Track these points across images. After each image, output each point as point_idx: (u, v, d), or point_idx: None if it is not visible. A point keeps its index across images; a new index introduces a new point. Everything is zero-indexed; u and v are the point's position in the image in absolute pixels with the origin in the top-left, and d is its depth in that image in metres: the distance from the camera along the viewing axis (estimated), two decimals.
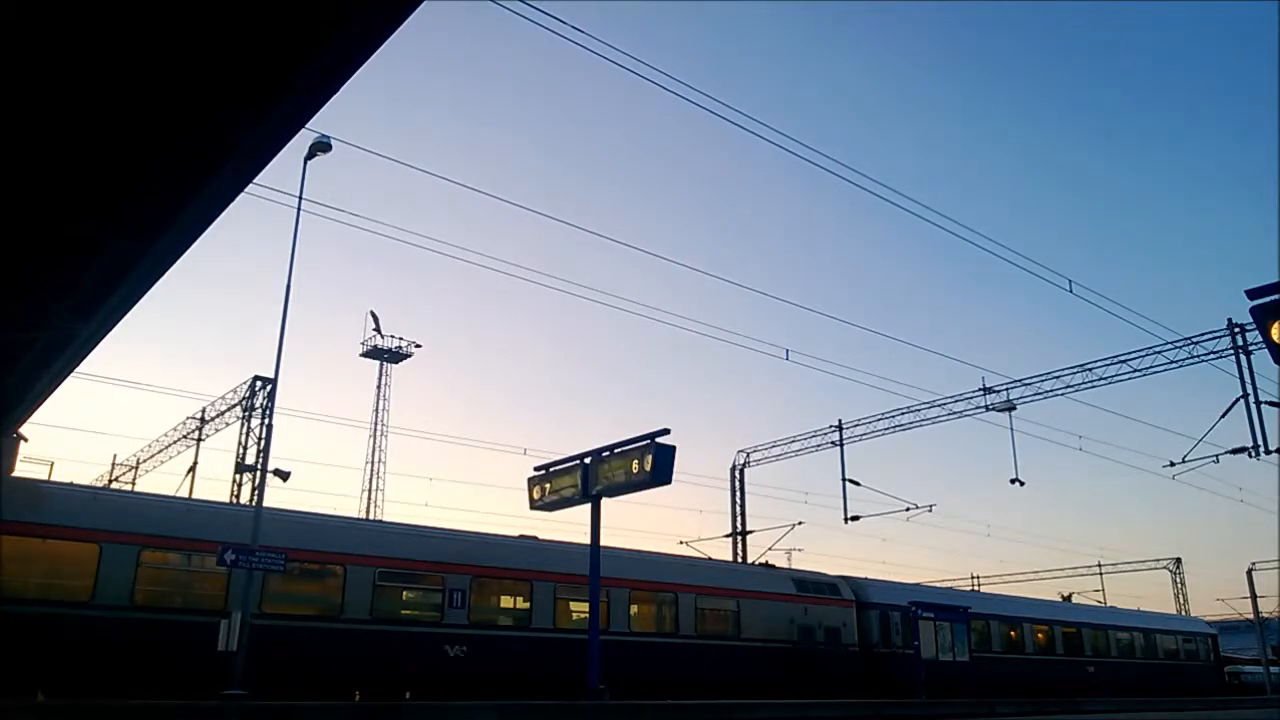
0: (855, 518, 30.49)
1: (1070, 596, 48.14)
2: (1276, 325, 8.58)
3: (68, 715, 11.22)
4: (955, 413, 29.57)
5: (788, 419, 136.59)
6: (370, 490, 39.81)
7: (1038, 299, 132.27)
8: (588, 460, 17.12)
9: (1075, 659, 30.98)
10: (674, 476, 15.66)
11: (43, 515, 14.14)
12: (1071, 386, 27.02)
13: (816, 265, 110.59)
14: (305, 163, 15.78)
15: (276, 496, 28.16)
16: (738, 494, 35.73)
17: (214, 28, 6.68)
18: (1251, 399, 21.87)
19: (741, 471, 35.98)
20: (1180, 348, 24.85)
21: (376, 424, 40.92)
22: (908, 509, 29.94)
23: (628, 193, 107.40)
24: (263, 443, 22.43)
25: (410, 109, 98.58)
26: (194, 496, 27.19)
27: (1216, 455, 23.88)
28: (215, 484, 53.74)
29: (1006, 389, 28.13)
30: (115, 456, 36.68)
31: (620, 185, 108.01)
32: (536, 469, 18.73)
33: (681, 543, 33.02)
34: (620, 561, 20.13)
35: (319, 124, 17.45)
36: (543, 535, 21.07)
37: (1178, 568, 52.47)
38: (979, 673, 25.35)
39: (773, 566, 26.62)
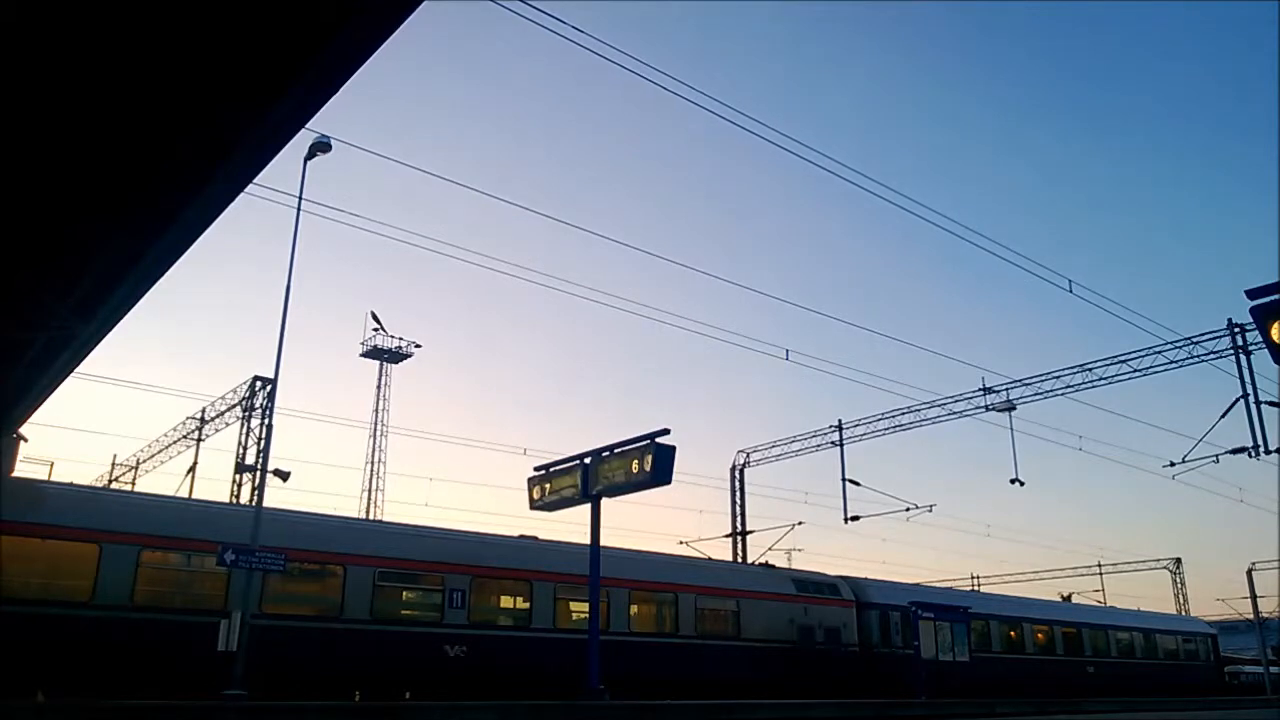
0: (855, 518, 30.49)
1: (1070, 596, 48.14)
2: (1276, 325, 8.60)
3: (68, 715, 11.21)
4: (955, 413, 29.59)
5: (788, 419, 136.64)
6: (370, 490, 39.78)
7: (1038, 299, 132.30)
8: (588, 460, 17.12)
9: (1075, 659, 30.98)
10: (674, 476, 15.65)
11: (43, 515, 14.14)
12: (1071, 386, 27.03)
13: (816, 265, 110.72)
14: (305, 163, 15.79)
15: (276, 496, 28.15)
16: (738, 494, 35.73)
17: (214, 27, 6.67)
18: (1251, 399, 21.86)
19: (741, 471, 35.98)
20: (1180, 348, 24.86)
21: (376, 424, 40.89)
22: (908, 509, 29.96)
23: (628, 193, 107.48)
24: (263, 443, 22.43)
25: (410, 109, 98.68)
26: (194, 496, 27.21)
27: (1216, 455, 23.89)
28: (215, 484, 53.73)
29: (1006, 389, 28.13)
30: (115, 456, 36.73)
31: (621, 185, 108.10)
32: (536, 469, 18.72)
33: (681, 543, 33.07)
34: (620, 561, 20.12)
35: (319, 124, 17.46)
36: (543, 535, 21.09)
37: (1177, 568, 52.50)
38: (979, 673, 25.34)
39: (773, 566, 26.61)
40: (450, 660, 17.15)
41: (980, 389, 28.53)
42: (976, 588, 52.26)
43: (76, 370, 14.87)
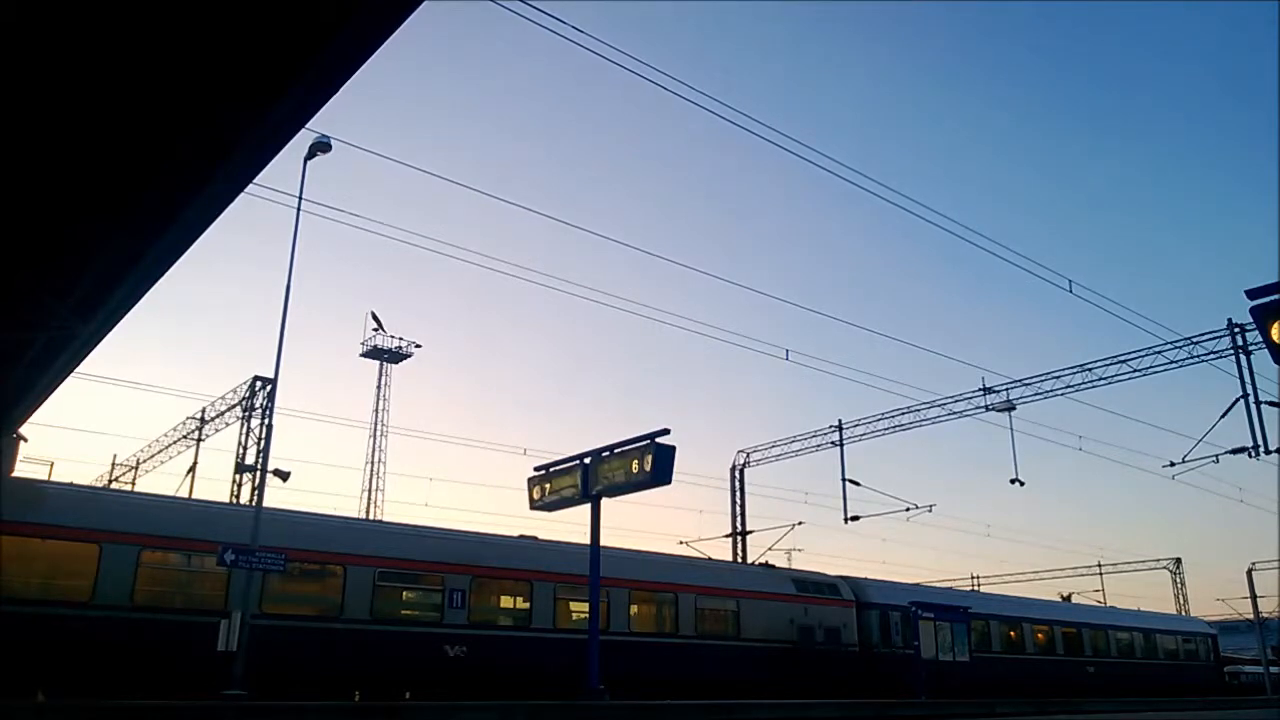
0: (855, 518, 30.50)
1: (1070, 596, 48.14)
2: (1276, 325, 8.60)
3: (68, 715, 11.22)
4: (955, 413, 29.59)
5: (788, 419, 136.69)
6: (370, 490, 39.79)
7: (1038, 299, 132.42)
8: (588, 460, 17.12)
9: (1075, 659, 30.98)
10: (674, 476, 15.67)
11: (43, 515, 14.14)
12: (1071, 386, 27.03)
13: (816, 265, 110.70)
14: (305, 163, 15.81)
15: (276, 496, 28.17)
16: (738, 494, 35.73)
17: (214, 27, 6.68)
18: (1251, 399, 21.86)
19: (741, 471, 35.98)
20: (1180, 348, 24.86)
21: (376, 424, 40.90)
22: (908, 509, 29.96)
23: (628, 193, 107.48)
24: (263, 443, 22.43)
25: (410, 109, 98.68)
26: (194, 496, 27.21)
27: (1216, 455, 23.89)
28: (215, 484, 53.73)
29: (1006, 389, 28.14)
30: (115, 456, 36.74)
31: (621, 185, 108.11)
32: (536, 469, 18.73)
33: (681, 543, 33.05)
34: (620, 561, 20.12)
35: (319, 124, 17.47)
36: (543, 535, 21.09)
37: (1177, 568, 52.52)
38: (979, 673, 25.33)
39: (773, 566, 26.62)
40: (450, 660, 17.15)
41: (980, 389, 28.55)
42: (976, 588, 52.27)
43: (76, 370, 14.87)
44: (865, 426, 31.66)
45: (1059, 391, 27.24)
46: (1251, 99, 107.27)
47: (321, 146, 15.68)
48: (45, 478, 22.66)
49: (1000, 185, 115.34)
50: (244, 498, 27.99)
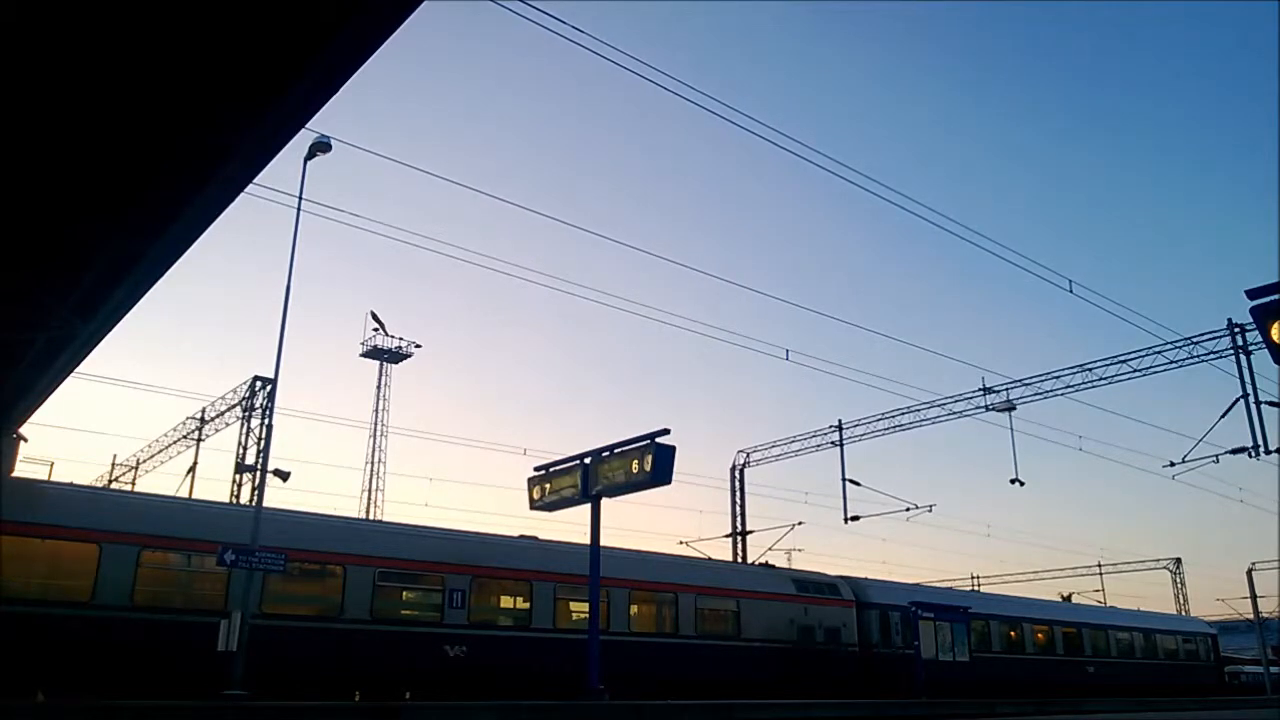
0: (855, 518, 30.50)
1: (1070, 596, 48.16)
2: (1276, 325, 8.60)
3: (68, 715, 11.21)
4: (955, 413, 29.59)
5: (788, 419, 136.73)
6: (370, 490, 39.78)
7: (1038, 299, 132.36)
8: (588, 460, 17.12)
9: (1075, 659, 30.99)
10: (674, 476, 15.66)
11: (43, 515, 14.14)
12: (1071, 386, 27.04)
13: (816, 265, 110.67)
14: (305, 163, 15.80)
15: (276, 496, 28.15)
16: (738, 494, 35.73)
17: (214, 27, 6.68)
18: (1251, 399, 21.87)
19: (741, 471, 35.98)
20: (1180, 348, 24.87)
21: (376, 424, 40.89)
22: (908, 509, 29.96)
23: (629, 193, 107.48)
24: (263, 443, 22.43)
25: (410, 109, 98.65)
26: (194, 496, 27.21)
27: (1216, 455, 23.89)
28: (215, 484, 53.74)
29: (1006, 389, 28.14)
30: (115, 456, 36.75)
31: (621, 186, 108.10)
32: (536, 469, 18.72)
33: (681, 543, 33.05)
34: (620, 561, 20.12)
35: (319, 124, 17.47)
36: (543, 535, 21.09)
37: (1178, 568, 52.55)
38: (979, 673, 25.34)
39: (773, 566, 26.62)
40: (450, 660, 17.15)
41: (980, 389, 28.55)
42: (976, 588, 52.28)
43: (76, 370, 14.87)
44: (865, 426, 31.70)
45: (1059, 391, 27.26)
46: (1251, 99, 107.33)
47: (321, 146, 15.68)
48: (45, 478, 22.68)
49: (1000, 185, 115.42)
50: (244, 498, 27.99)
